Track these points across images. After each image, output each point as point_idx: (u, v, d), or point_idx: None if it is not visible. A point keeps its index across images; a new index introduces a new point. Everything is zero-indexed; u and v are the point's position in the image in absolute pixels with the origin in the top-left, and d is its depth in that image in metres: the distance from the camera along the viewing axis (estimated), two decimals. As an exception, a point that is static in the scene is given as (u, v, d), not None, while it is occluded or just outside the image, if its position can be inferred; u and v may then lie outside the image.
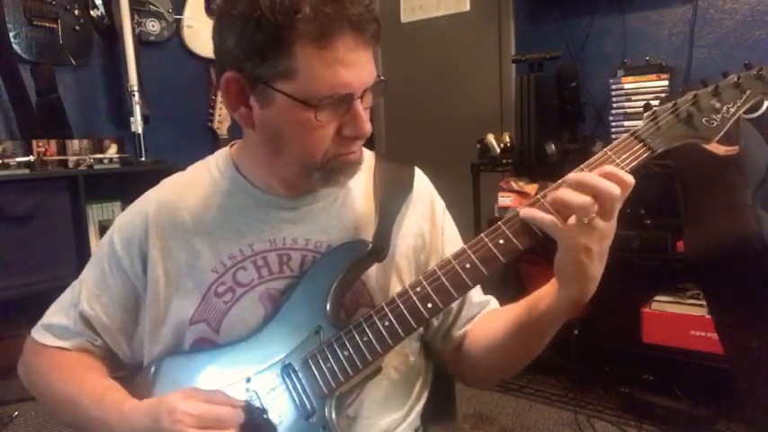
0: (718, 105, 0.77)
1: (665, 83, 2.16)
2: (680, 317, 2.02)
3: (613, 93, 2.24)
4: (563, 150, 2.23)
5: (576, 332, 2.22)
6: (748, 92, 0.77)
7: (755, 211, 1.65)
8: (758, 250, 1.61)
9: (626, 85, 2.22)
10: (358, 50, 0.73)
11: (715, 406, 2.04)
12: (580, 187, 0.69)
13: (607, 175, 0.70)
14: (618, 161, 0.74)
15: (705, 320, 1.92)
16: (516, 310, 0.85)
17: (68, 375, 0.86)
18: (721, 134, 0.77)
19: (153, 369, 0.86)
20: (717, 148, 0.78)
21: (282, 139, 0.79)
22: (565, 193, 0.70)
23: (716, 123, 0.76)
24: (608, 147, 0.76)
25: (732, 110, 0.77)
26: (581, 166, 0.75)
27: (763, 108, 1.73)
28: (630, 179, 0.70)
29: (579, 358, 2.28)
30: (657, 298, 2.10)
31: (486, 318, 0.94)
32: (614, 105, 2.24)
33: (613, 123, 2.24)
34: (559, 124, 2.35)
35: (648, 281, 2.16)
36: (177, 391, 0.77)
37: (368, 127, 0.78)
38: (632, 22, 2.41)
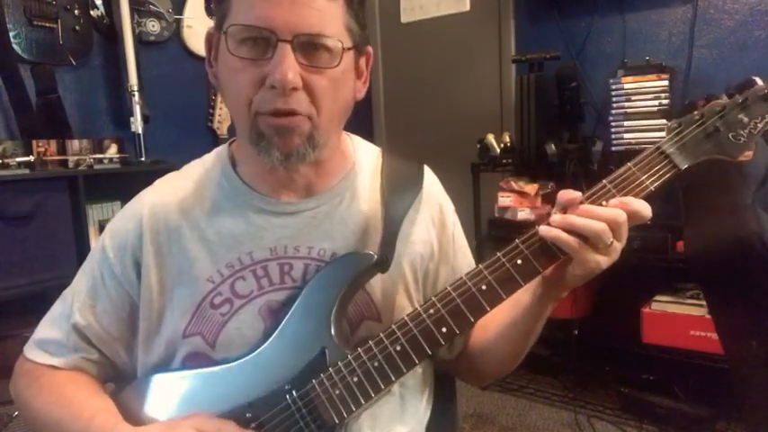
0: (745, 120, 0.74)
1: (665, 83, 2.15)
2: (680, 317, 2.02)
3: (613, 93, 2.24)
4: (563, 150, 2.23)
5: (576, 332, 2.21)
6: None
7: (755, 211, 1.66)
8: (758, 250, 1.61)
9: (626, 85, 2.21)
10: None
11: (715, 406, 2.03)
12: (598, 218, 0.69)
13: (622, 205, 0.70)
14: (643, 178, 0.73)
15: (705, 320, 1.93)
16: (501, 312, 0.83)
17: (56, 398, 0.80)
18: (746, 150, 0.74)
19: (142, 387, 0.81)
20: None
21: (224, 93, 0.79)
22: (584, 223, 0.69)
23: (742, 140, 0.74)
24: (633, 161, 0.74)
25: (760, 125, 0.74)
26: (604, 181, 0.73)
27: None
28: (647, 211, 0.71)
29: (579, 358, 2.28)
30: (657, 298, 2.10)
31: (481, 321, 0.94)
32: (614, 105, 2.23)
33: (613, 123, 2.24)
34: (559, 124, 2.35)
35: (648, 281, 2.16)
36: (186, 422, 0.72)
37: (283, 73, 0.69)
38: (632, 22, 2.41)
